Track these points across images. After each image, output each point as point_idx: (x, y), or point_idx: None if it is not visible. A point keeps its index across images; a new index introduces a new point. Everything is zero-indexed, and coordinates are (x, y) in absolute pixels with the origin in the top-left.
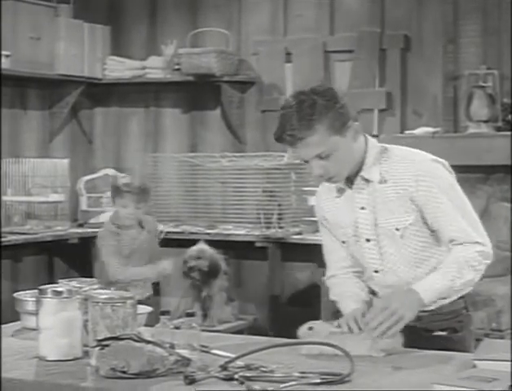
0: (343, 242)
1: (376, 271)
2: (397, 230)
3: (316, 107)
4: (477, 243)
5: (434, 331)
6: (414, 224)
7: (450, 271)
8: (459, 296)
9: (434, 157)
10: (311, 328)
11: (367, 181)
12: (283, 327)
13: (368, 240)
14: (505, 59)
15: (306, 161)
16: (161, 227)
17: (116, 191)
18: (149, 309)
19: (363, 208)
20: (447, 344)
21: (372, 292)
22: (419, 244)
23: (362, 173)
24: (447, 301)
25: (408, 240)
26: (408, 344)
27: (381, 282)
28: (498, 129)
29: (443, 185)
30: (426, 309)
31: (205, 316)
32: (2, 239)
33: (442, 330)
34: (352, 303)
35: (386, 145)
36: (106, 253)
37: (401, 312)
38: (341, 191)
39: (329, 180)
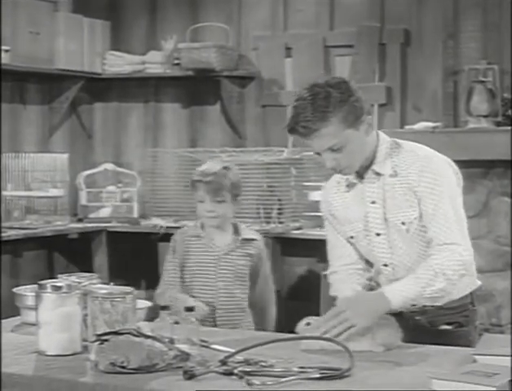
0: (351, 237)
1: (385, 265)
2: (403, 224)
3: (331, 100)
4: (458, 245)
5: (439, 326)
6: (419, 219)
7: (423, 278)
8: (429, 304)
9: (443, 156)
10: (308, 324)
11: (378, 174)
12: (282, 322)
13: (378, 234)
14: (506, 54)
15: (318, 153)
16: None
17: (191, 183)
18: (149, 303)
19: (373, 203)
20: (452, 339)
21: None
22: (425, 239)
23: (373, 167)
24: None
25: (415, 235)
26: (413, 338)
27: (390, 276)
28: (498, 124)
29: (443, 182)
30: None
31: None
32: (2, 234)
33: (447, 324)
34: None
35: (398, 140)
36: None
37: (353, 320)
38: (350, 186)
39: (340, 172)
